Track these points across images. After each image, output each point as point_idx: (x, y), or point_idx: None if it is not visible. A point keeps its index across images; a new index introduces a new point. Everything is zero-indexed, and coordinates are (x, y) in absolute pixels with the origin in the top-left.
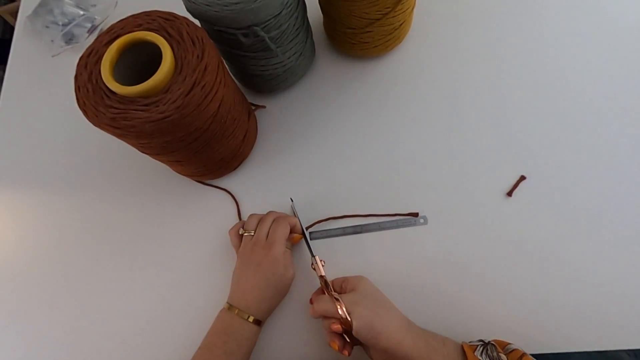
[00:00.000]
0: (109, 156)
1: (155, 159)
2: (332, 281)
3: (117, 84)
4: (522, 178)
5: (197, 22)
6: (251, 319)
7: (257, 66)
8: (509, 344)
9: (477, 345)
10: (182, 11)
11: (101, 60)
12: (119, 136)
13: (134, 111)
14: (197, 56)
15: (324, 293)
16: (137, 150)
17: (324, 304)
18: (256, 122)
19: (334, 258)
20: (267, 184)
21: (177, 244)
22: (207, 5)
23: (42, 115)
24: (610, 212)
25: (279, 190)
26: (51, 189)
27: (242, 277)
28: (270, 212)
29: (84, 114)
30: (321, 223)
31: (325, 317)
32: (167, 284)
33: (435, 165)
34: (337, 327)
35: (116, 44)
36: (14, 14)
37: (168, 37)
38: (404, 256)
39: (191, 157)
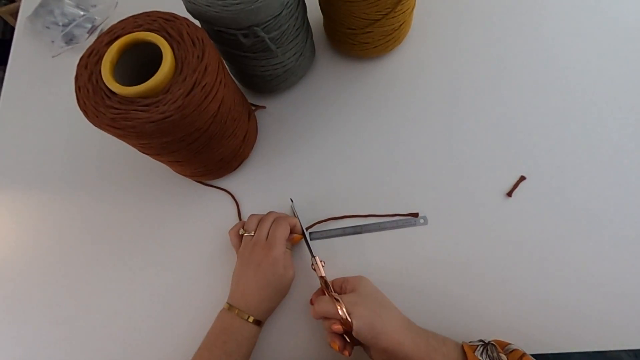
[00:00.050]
0: (109, 156)
1: (156, 159)
2: (332, 281)
3: (118, 85)
4: (522, 178)
5: (197, 22)
6: (251, 319)
7: (257, 66)
8: (509, 344)
9: (478, 345)
10: (182, 12)
11: (101, 60)
12: (119, 136)
13: (134, 111)
14: (198, 57)
15: (324, 293)
16: (137, 151)
17: (324, 305)
18: (256, 123)
19: (334, 258)
20: (267, 184)
21: (177, 244)
22: (208, 5)
23: (43, 116)
24: (610, 212)
25: (279, 190)
26: (51, 189)
27: (242, 277)
28: (270, 212)
29: (85, 115)
30: (321, 223)
31: (325, 317)
32: (167, 284)
33: (435, 165)
34: (337, 327)
35: (116, 44)
36: (14, 15)
37: (168, 38)
38: (404, 256)
39: (191, 157)
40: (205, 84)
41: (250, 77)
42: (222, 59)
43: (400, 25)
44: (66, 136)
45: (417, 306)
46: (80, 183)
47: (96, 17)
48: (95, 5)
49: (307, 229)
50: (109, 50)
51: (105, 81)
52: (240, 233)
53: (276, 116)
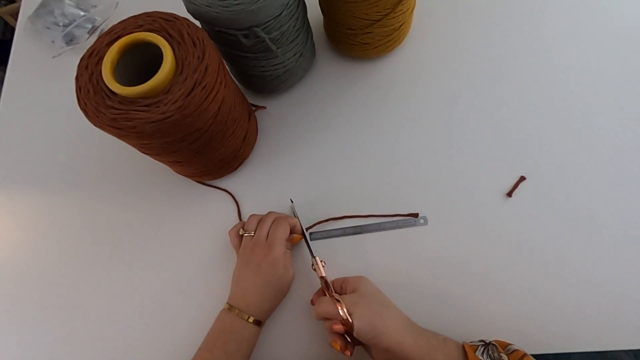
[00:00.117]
0: (109, 156)
1: (156, 159)
2: (333, 282)
3: (118, 85)
4: (522, 178)
5: (197, 23)
6: (251, 319)
7: (258, 67)
8: (510, 344)
9: (478, 346)
10: (182, 12)
11: (102, 61)
12: (120, 137)
13: (134, 112)
14: (198, 57)
15: (325, 294)
16: (137, 151)
17: (325, 305)
18: (256, 123)
19: (334, 259)
20: (267, 184)
21: (177, 244)
22: (208, 6)
23: (43, 116)
24: (610, 212)
25: (279, 190)
26: (51, 189)
27: (242, 277)
28: (270, 212)
29: (85, 115)
30: (321, 224)
31: (326, 318)
32: (167, 285)
33: (435, 165)
34: (338, 327)
35: (117, 44)
36: (15, 15)
37: (169, 38)
38: (404, 256)
39: (192, 157)
40: (206, 85)
41: (251, 77)
42: (223, 59)
43: (401, 25)
44: (66, 136)
45: (418, 306)
46: (80, 183)
47: (97, 18)
48: (95, 6)
49: (307, 229)
50: (109, 51)
51: (105, 81)
52: (240, 233)
53: (276, 116)
